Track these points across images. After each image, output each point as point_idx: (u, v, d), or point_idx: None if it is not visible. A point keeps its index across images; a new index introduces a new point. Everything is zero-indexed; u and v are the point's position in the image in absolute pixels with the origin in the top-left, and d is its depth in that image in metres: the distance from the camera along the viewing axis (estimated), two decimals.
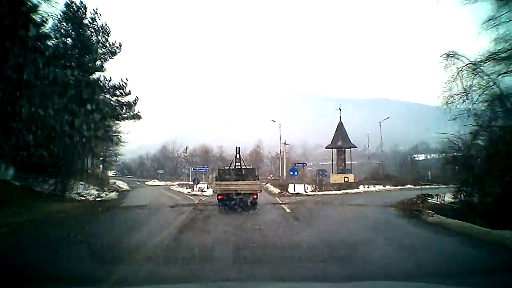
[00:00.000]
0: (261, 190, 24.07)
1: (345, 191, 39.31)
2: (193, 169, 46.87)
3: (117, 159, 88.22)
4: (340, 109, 57.96)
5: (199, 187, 42.61)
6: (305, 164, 38.95)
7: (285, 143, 79.82)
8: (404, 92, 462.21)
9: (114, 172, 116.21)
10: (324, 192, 36.90)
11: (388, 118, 60.70)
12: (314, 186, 37.59)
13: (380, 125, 59.41)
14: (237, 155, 25.26)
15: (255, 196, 22.13)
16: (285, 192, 35.96)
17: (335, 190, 39.20)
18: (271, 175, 75.67)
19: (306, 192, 35.95)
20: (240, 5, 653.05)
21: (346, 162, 58.53)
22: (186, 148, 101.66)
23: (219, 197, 22.68)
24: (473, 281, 6.20)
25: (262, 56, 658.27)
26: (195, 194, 39.40)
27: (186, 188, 46.75)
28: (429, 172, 68.40)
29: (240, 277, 6.90)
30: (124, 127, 64.02)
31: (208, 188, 46.78)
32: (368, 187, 45.46)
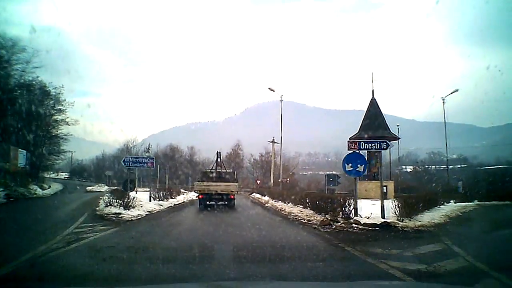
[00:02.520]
0: (238, 192, 23.37)
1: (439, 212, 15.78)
2: (123, 162, 21.50)
3: (61, 157, 61.67)
4: (372, 80, 34.34)
5: (128, 200, 17.91)
6: (384, 145, 13.20)
7: (273, 141, 56.67)
8: (384, 105, 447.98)
9: (67, 174, 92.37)
10: (430, 219, 13.02)
11: (457, 90, 38.09)
12: (398, 204, 13.44)
13: (444, 102, 36.93)
14: (218, 159, 25.01)
15: (232, 196, 21.41)
16: (347, 221, 11.55)
17: (424, 210, 15.20)
18: (258, 181, 51.58)
19: (399, 221, 11.77)
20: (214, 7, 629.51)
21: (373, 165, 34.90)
22: (149, 147, 75.95)
23: (199, 196, 22.12)
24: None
25: (239, 60, 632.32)
26: (104, 216, 14.79)
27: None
28: (460, 183, 48.80)
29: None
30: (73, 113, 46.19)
31: (153, 199, 22.58)
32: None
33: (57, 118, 48.55)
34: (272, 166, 56.21)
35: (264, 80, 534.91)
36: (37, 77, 40.55)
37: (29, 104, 40.87)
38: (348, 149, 12.91)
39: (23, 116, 40.35)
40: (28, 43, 35.78)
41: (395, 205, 13.43)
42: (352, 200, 12.62)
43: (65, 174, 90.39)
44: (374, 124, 32.88)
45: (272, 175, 54.85)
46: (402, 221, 11.64)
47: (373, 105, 34.41)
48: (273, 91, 34.88)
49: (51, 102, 47.56)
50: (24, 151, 40.77)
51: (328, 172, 43.25)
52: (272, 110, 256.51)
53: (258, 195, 35.65)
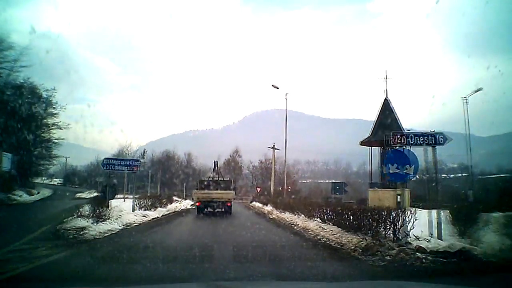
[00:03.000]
0: (234, 199, 24.09)
1: None
2: (102, 165, 18.16)
3: (53, 162, 57.97)
4: (386, 77, 30.61)
5: (101, 210, 14.10)
6: (441, 139, 9.70)
7: (273, 147, 53.09)
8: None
9: (60, 180, 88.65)
10: (494, 240, 9.13)
11: (481, 89, 34.45)
12: (451, 219, 9.65)
13: (466, 101, 33.49)
14: (215, 168, 25.53)
15: (229, 204, 21.54)
16: (403, 247, 7.60)
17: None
18: (259, 189, 47.76)
19: (474, 246, 7.93)
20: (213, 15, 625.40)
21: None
22: (144, 152, 71.93)
23: (197, 204, 22.11)
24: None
25: (237, 69, 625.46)
26: (61, 232, 10.97)
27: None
28: (470, 192, 45.81)
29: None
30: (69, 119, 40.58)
31: (138, 208, 18.95)
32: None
33: (48, 121, 45.34)
34: (273, 173, 52.44)
35: (262, 89, 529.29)
36: (28, 78, 37.86)
37: (19, 105, 37.63)
38: (393, 143, 9.14)
39: (11, 118, 37.00)
40: (27, 48, 33.17)
41: (450, 220, 9.72)
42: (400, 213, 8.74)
43: (59, 180, 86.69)
44: (388, 126, 29.24)
45: (272, 183, 51.12)
46: (476, 245, 7.88)
47: (386, 106, 30.83)
48: (277, 88, 31.25)
49: (43, 105, 44.38)
50: (9, 154, 37.45)
51: (334, 180, 39.70)
52: (270, 118, 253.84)
53: (259, 204, 31.89)
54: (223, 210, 21.20)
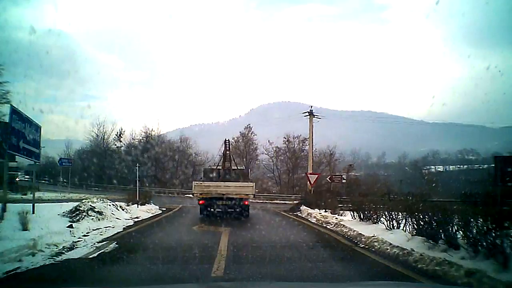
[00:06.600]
0: (254, 195, 15.39)
1: None
2: None
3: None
4: None
5: None
6: None
7: (311, 113, 31.64)
8: (389, 105, 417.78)
9: (28, 177, 66.81)
10: None
11: None
12: None
13: None
14: (226, 151, 16.95)
15: (246, 202, 14.53)
16: None
17: None
18: (314, 176, 24.82)
19: None
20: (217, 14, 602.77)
21: None
22: (120, 133, 49.62)
23: (200, 202, 14.87)
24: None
25: (242, 62, 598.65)
26: None
27: None
28: None
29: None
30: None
31: None
32: None
33: None
34: (311, 154, 30.41)
35: (268, 81, 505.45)
36: None
37: None
38: None
39: None
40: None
41: None
42: None
43: (26, 177, 65.57)
44: None
45: (310, 168, 29.09)
46: None
47: None
48: None
49: None
50: None
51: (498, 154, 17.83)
52: (277, 111, 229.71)
53: (354, 227, 9.75)
54: (238, 210, 14.36)
